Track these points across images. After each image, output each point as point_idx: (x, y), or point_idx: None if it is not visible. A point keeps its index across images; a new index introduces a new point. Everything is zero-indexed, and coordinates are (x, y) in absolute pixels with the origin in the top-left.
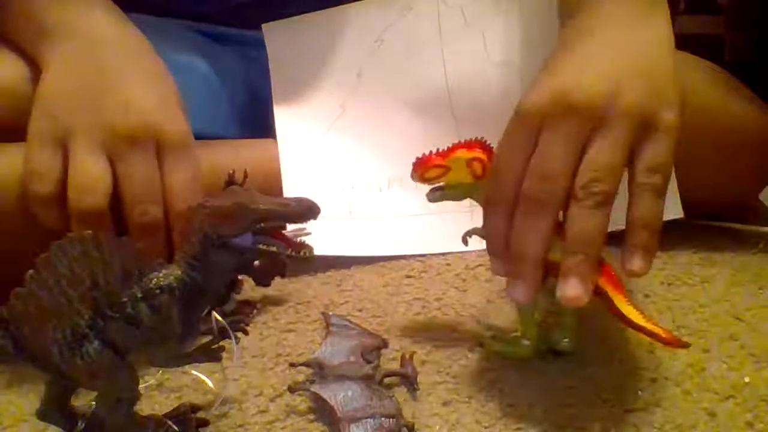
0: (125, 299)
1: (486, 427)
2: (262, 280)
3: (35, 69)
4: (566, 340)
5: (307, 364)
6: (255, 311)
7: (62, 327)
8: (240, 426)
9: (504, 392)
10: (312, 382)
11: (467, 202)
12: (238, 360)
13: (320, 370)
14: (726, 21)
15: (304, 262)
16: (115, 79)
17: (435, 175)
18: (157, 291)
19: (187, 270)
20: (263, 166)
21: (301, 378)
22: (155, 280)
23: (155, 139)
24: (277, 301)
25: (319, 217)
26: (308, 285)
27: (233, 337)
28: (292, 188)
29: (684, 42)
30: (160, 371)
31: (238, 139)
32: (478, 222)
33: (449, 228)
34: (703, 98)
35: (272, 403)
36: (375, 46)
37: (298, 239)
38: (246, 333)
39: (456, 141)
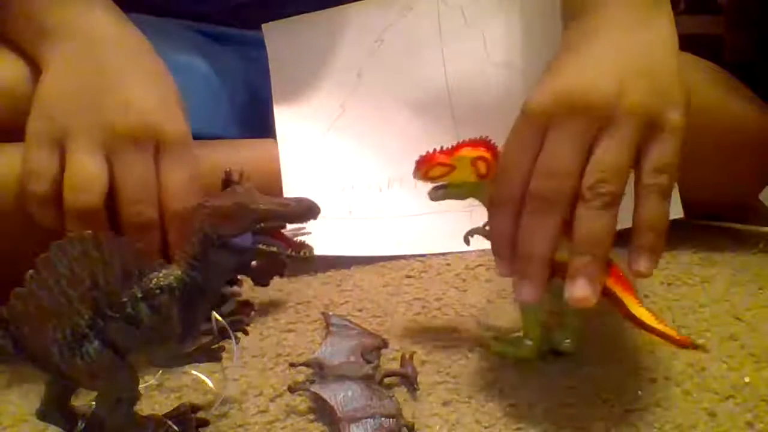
0: (125, 299)
1: (486, 427)
2: (261, 280)
3: (34, 69)
4: (568, 340)
5: (307, 364)
6: (253, 312)
7: (62, 327)
8: (240, 426)
9: (504, 392)
10: (312, 382)
11: (467, 201)
12: (238, 360)
13: (320, 370)
14: (726, 21)
15: (304, 262)
16: (114, 80)
17: (439, 173)
18: (157, 291)
19: (187, 270)
20: (263, 166)
21: (301, 378)
22: (155, 280)
23: (154, 139)
24: (277, 301)
25: (319, 217)
26: (308, 285)
27: (233, 337)
28: (292, 188)
29: (684, 42)
30: (160, 371)
31: (238, 139)
32: (478, 222)
33: (449, 228)
34: (703, 98)
35: (272, 403)
36: (375, 46)
37: (298, 239)
38: (246, 333)
39: (455, 141)
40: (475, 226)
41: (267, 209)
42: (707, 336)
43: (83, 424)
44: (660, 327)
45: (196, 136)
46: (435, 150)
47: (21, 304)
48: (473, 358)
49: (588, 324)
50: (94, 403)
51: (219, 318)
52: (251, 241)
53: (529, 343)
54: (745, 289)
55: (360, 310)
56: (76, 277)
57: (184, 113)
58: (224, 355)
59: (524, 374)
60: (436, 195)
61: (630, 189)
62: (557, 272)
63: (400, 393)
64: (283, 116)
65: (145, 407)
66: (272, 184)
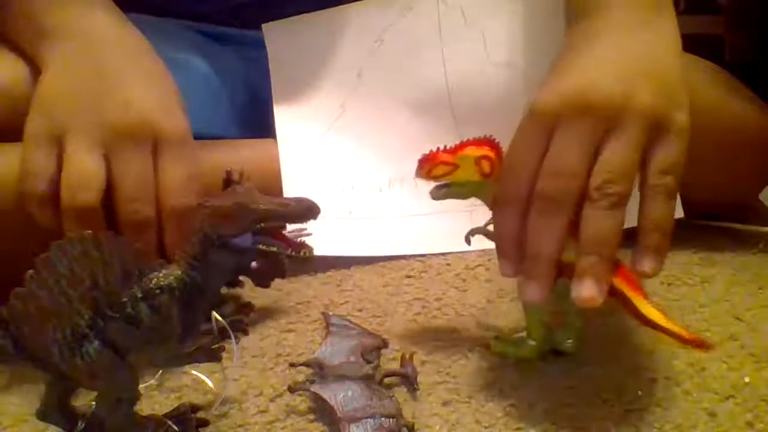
0: (125, 299)
1: (486, 427)
2: (262, 282)
3: (33, 69)
4: (570, 341)
5: (307, 364)
6: (252, 313)
7: (62, 327)
8: (240, 426)
9: (504, 392)
10: (312, 382)
11: (468, 201)
12: (238, 360)
13: (320, 370)
14: (726, 21)
15: (304, 262)
16: (114, 80)
17: (442, 172)
18: (157, 291)
19: (187, 270)
20: (263, 166)
21: (301, 378)
22: (155, 280)
23: (152, 137)
24: (277, 301)
25: (319, 217)
26: (308, 285)
27: (233, 337)
28: (292, 188)
29: (684, 42)
30: (160, 371)
31: (238, 139)
32: (478, 222)
33: (449, 228)
34: (704, 98)
35: (272, 403)
36: (375, 46)
37: (299, 239)
38: (246, 333)
39: (456, 141)
40: (475, 226)
41: (267, 209)
42: (707, 336)
43: (83, 424)
44: (670, 326)
45: (196, 136)
46: (438, 149)
47: (21, 304)
48: (473, 358)
49: (589, 324)
50: (94, 403)
51: (219, 318)
52: (251, 241)
53: (532, 343)
54: (745, 289)
55: (360, 310)
56: (76, 277)
57: (184, 113)
58: (224, 355)
59: (524, 374)
60: (438, 194)
61: (634, 189)
62: (563, 272)
63: (400, 393)
64: (283, 116)
65: (145, 407)
66: (272, 184)
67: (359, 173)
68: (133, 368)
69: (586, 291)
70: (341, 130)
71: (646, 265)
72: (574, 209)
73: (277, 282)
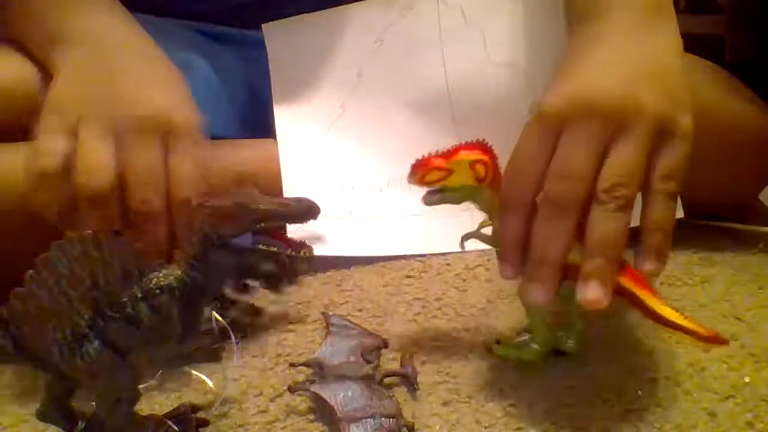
0: (125, 299)
1: (486, 427)
2: (273, 287)
3: (38, 70)
4: (571, 341)
5: (307, 364)
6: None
7: (62, 327)
8: (240, 426)
9: (504, 392)
10: (312, 382)
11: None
12: (238, 360)
13: (320, 370)
14: (726, 21)
15: (304, 262)
16: (125, 82)
17: (436, 177)
18: (157, 291)
19: (187, 270)
20: (263, 166)
21: (301, 378)
22: (155, 280)
23: (163, 129)
24: (277, 301)
25: (319, 217)
26: (308, 285)
27: (233, 337)
28: (292, 188)
29: (684, 42)
30: (160, 371)
31: (238, 139)
32: (478, 222)
33: (449, 228)
34: (704, 98)
35: (272, 403)
36: (375, 46)
37: (300, 239)
38: (246, 334)
39: (455, 141)
40: (475, 226)
41: (267, 209)
42: None
43: (83, 424)
44: (686, 323)
45: None
46: (430, 154)
47: (21, 304)
48: (473, 358)
49: (589, 324)
50: (94, 402)
51: (219, 318)
52: (251, 241)
53: (535, 346)
54: (745, 289)
55: (360, 310)
56: (76, 277)
57: (195, 109)
58: (224, 355)
59: (524, 374)
60: (431, 200)
61: None
62: (566, 274)
63: (400, 393)
64: (283, 116)
65: (145, 407)
66: (272, 184)
67: (359, 173)
68: (133, 368)
69: (592, 293)
70: (341, 130)
71: (649, 266)
72: (581, 212)
73: None
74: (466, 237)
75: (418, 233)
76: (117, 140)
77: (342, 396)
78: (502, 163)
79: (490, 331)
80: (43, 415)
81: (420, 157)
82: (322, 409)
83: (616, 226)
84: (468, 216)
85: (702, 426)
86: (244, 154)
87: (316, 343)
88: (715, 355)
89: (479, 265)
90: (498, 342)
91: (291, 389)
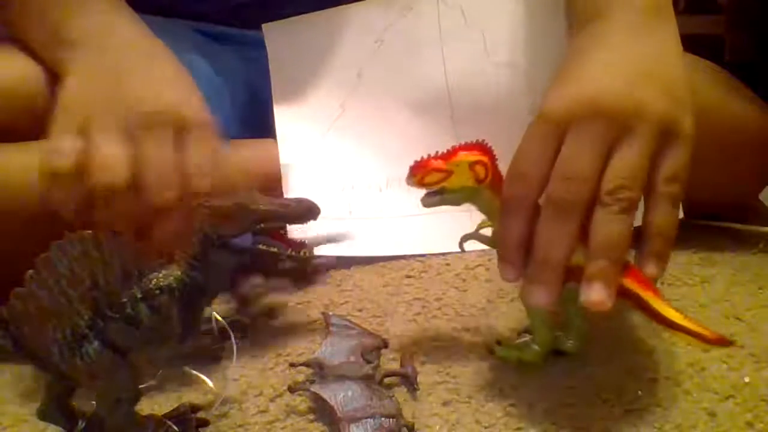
0: (125, 299)
1: (486, 427)
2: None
3: (38, 69)
4: (572, 341)
5: (307, 364)
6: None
7: (62, 327)
8: (240, 426)
9: (504, 392)
10: (312, 382)
11: None
12: (238, 360)
13: (320, 370)
14: (726, 21)
15: (305, 262)
16: (135, 81)
17: (436, 179)
18: (157, 291)
19: (187, 270)
20: (263, 166)
21: (301, 378)
22: (155, 280)
23: (175, 123)
24: (277, 301)
25: (319, 217)
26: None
27: (233, 337)
28: (292, 188)
29: (684, 42)
30: (160, 371)
31: (238, 139)
32: (478, 222)
33: (449, 228)
34: (704, 98)
35: (272, 403)
36: (375, 46)
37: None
38: (246, 334)
39: (455, 141)
40: (475, 226)
41: (267, 210)
42: None
43: (83, 424)
44: (690, 325)
45: None
46: (429, 156)
47: (21, 303)
48: (473, 358)
49: (590, 325)
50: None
51: (219, 318)
52: (251, 242)
53: (536, 347)
54: (745, 289)
55: (360, 310)
56: (76, 277)
57: (204, 105)
58: (224, 355)
59: (524, 374)
60: (430, 201)
61: None
62: (568, 276)
63: (400, 393)
64: (283, 116)
65: (145, 407)
66: (272, 185)
67: (359, 173)
68: (133, 368)
69: (596, 295)
70: (341, 130)
71: (650, 269)
72: (585, 213)
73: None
74: (465, 238)
75: (418, 233)
76: (129, 137)
77: (342, 396)
78: (502, 163)
79: (490, 331)
80: (43, 415)
81: (419, 159)
82: (322, 409)
83: (620, 228)
84: (467, 216)
85: (702, 426)
86: (244, 154)
87: (316, 343)
88: (715, 355)
89: (479, 265)
90: (499, 343)
91: (291, 389)
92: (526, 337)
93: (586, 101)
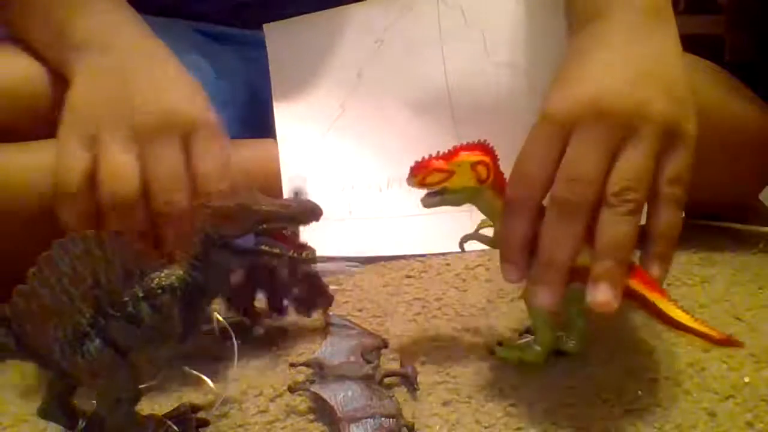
0: (127, 298)
1: (486, 427)
2: (303, 309)
3: (41, 69)
4: (573, 341)
5: (307, 364)
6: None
7: (64, 325)
8: (240, 426)
9: (504, 392)
10: (312, 382)
11: None
12: (238, 360)
13: (320, 370)
14: (726, 21)
15: (306, 263)
16: (141, 85)
17: (437, 179)
18: (159, 290)
19: (188, 270)
20: (263, 166)
21: (301, 378)
22: (157, 279)
23: (183, 129)
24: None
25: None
26: None
27: (234, 337)
28: (291, 189)
29: (684, 42)
30: (160, 371)
31: (238, 139)
32: (478, 222)
33: (449, 228)
34: (704, 98)
35: (272, 403)
36: (375, 46)
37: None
38: (246, 334)
39: (455, 141)
40: (476, 226)
41: (269, 210)
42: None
43: (84, 423)
44: (697, 326)
45: None
46: (430, 156)
47: (23, 301)
48: (473, 358)
49: (590, 325)
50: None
51: (220, 318)
52: (253, 242)
53: (537, 348)
54: (745, 289)
55: (360, 310)
56: (78, 276)
57: (210, 106)
58: (224, 355)
59: (524, 374)
60: (431, 201)
61: None
62: (572, 277)
63: (400, 393)
64: (283, 116)
65: (145, 407)
66: (272, 184)
67: (359, 173)
68: (134, 368)
69: (602, 296)
70: (341, 130)
71: (653, 271)
72: (591, 214)
73: None
74: (465, 239)
75: (418, 233)
76: (137, 144)
77: (342, 396)
78: (503, 163)
79: (490, 331)
80: (44, 413)
81: (419, 159)
82: (322, 409)
83: (626, 229)
84: (468, 216)
85: (702, 426)
86: (244, 154)
87: (316, 343)
88: (715, 355)
89: (479, 265)
90: (500, 344)
91: (291, 389)
92: (527, 338)
93: (590, 102)
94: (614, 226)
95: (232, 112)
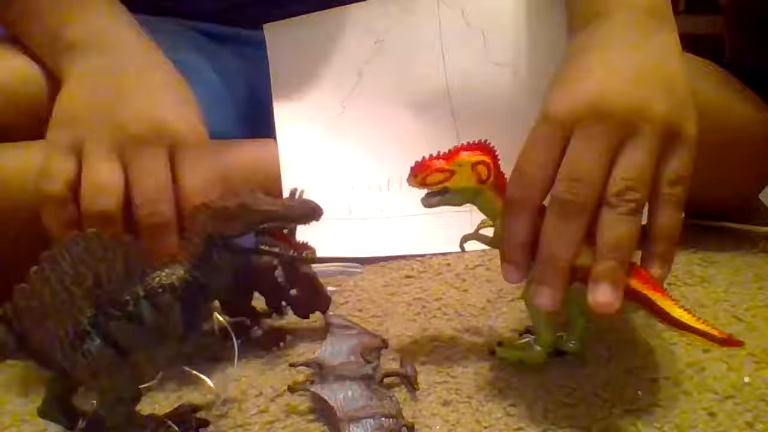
0: (127, 298)
1: (486, 427)
2: (301, 312)
3: (39, 69)
4: (573, 342)
5: (307, 364)
6: (282, 343)
7: (64, 324)
8: (240, 426)
9: (504, 392)
10: (312, 382)
11: None
12: (238, 360)
13: (320, 370)
14: (726, 21)
15: (306, 262)
16: (131, 92)
17: (438, 179)
18: (160, 290)
19: (189, 269)
20: (263, 166)
21: (301, 378)
22: (158, 279)
23: (168, 140)
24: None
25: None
26: None
27: (234, 337)
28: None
29: (684, 42)
30: (161, 373)
31: (238, 139)
32: (478, 222)
33: (449, 228)
34: (704, 98)
35: (272, 403)
36: (375, 46)
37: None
38: (246, 334)
39: (456, 141)
40: (476, 226)
41: (270, 210)
42: None
43: (84, 423)
44: (699, 326)
45: None
46: (431, 156)
47: (24, 300)
48: (473, 358)
49: (590, 325)
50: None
51: (220, 318)
52: (254, 242)
53: (538, 348)
54: (745, 289)
55: (360, 310)
56: (79, 275)
57: (200, 118)
58: (224, 354)
59: (524, 374)
60: (431, 201)
61: None
62: (573, 276)
63: (400, 393)
64: (283, 116)
65: (145, 407)
66: (272, 184)
67: (359, 173)
68: (134, 367)
69: (603, 296)
70: (341, 130)
71: (654, 271)
72: (591, 214)
73: None
74: (465, 239)
75: (418, 233)
76: (122, 155)
77: (342, 396)
78: (503, 164)
79: (490, 331)
80: (44, 413)
81: (420, 159)
82: (322, 409)
83: (627, 229)
84: (468, 216)
85: (702, 426)
86: (244, 154)
87: (316, 343)
88: (715, 355)
89: (479, 265)
90: (500, 344)
91: (291, 389)
92: (528, 338)
93: (590, 102)
94: (615, 226)
95: (232, 112)
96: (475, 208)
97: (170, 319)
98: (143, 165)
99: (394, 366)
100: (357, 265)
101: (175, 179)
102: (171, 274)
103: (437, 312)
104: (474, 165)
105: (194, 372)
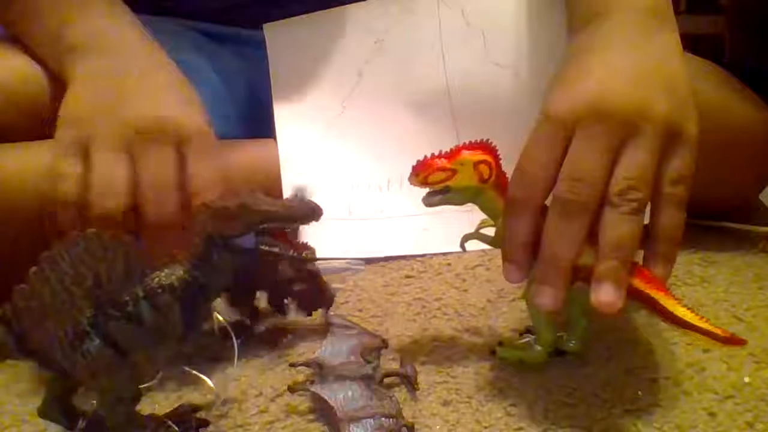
0: (127, 298)
1: (486, 427)
2: (304, 309)
3: (39, 69)
4: (573, 341)
5: (307, 364)
6: (285, 339)
7: (64, 324)
8: (240, 426)
9: (504, 392)
10: (312, 382)
11: None
12: (238, 360)
13: (320, 370)
14: (726, 21)
15: (306, 262)
16: (136, 92)
17: (439, 178)
18: (159, 290)
19: (189, 270)
20: (263, 166)
21: (301, 378)
22: (157, 279)
23: (175, 138)
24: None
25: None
26: None
27: (234, 337)
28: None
29: (684, 42)
30: (161, 373)
31: (238, 139)
32: (479, 222)
33: (449, 228)
34: (704, 98)
35: (272, 403)
36: (375, 46)
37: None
38: (246, 334)
39: (456, 141)
40: (476, 226)
41: (270, 210)
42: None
43: (84, 423)
44: (703, 324)
45: None
46: (432, 155)
47: (24, 301)
48: (473, 358)
49: (590, 324)
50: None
51: (220, 318)
52: (254, 242)
53: (539, 348)
54: (745, 289)
55: (360, 310)
56: (78, 275)
57: (205, 117)
58: (224, 354)
59: (524, 374)
60: (433, 201)
61: None
62: (575, 276)
63: (400, 393)
64: (283, 116)
65: (145, 407)
66: (272, 184)
67: (359, 173)
68: (134, 367)
69: (605, 295)
70: (341, 130)
71: (656, 271)
72: (593, 214)
73: None
74: (466, 238)
75: (418, 233)
76: (130, 153)
77: (342, 396)
78: (503, 163)
79: (491, 331)
80: (44, 413)
81: (421, 158)
82: (322, 409)
83: (630, 228)
84: (468, 216)
85: (702, 426)
86: (244, 154)
87: (316, 343)
88: (715, 355)
89: (479, 265)
90: (501, 344)
91: (291, 389)
92: (528, 338)
93: (591, 102)
94: (617, 226)
95: (232, 111)
96: (475, 207)
97: (170, 319)
98: (150, 163)
99: (394, 366)
100: (361, 261)
101: (181, 175)
102: (170, 275)
103: (437, 312)
104: (476, 164)
105: (194, 372)
